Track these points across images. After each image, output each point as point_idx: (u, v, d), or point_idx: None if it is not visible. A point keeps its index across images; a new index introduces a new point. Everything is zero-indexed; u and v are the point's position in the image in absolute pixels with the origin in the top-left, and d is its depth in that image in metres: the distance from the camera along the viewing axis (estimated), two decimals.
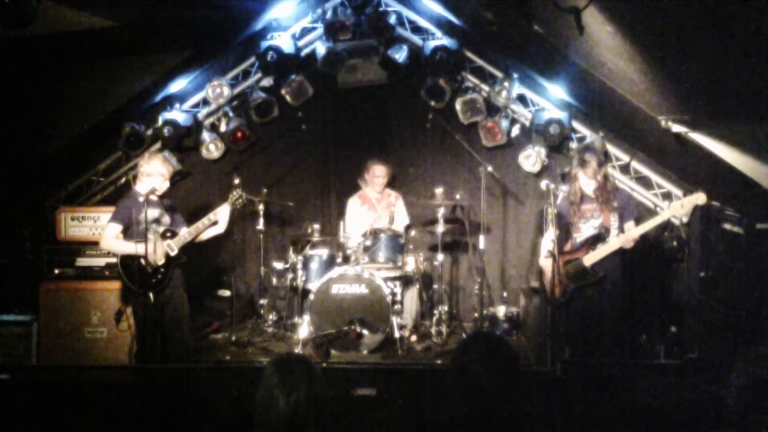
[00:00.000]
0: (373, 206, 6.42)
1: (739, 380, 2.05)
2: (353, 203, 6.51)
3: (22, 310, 5.61)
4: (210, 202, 6.83)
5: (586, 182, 4.78)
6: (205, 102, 6.74)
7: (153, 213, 4.82)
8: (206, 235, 5.05)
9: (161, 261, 4.79)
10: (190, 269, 5.14)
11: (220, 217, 4.99)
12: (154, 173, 4.84)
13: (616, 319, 4.86)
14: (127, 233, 4.80)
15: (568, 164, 6.10)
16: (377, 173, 6.33)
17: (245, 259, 7.02)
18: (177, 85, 6.62)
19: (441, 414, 3.37)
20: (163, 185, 4.89)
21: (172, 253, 4.83)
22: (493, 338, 2.44)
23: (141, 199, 4.72)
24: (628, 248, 4.72)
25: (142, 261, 4.72)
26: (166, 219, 4.95)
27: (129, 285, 4.73)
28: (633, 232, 4.71)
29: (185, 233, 4.89)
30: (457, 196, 6.20)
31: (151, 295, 4.71)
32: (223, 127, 6.78)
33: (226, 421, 3.37)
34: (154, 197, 4.84)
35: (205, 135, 6.77)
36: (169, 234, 4.87)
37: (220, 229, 5.06)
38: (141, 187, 4.88)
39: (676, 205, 4.77)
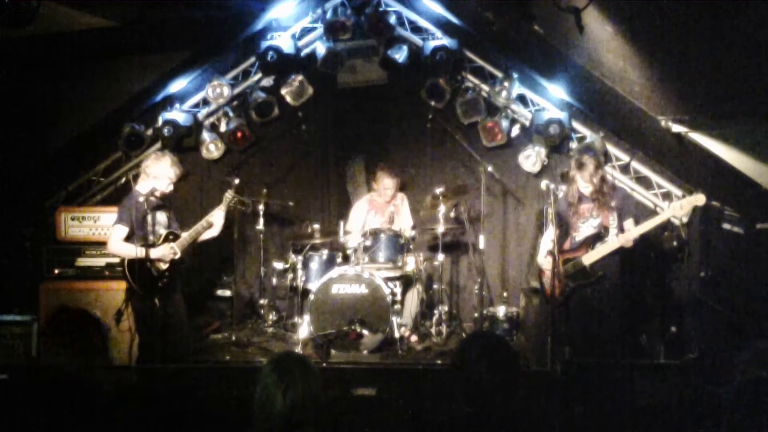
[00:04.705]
0: (381, 210, 6.37)
1: (739, 380, 2.04)
2: (360, 207, 6.44)
3: (22, 310, 5.60)
4: (210, 202, 6.81)
5: (584, 185, 4.79)
6: (205, 102, 6.73)
7: (156, 215, 4.78)
8: (202, 238, 5.01)
9: (167, 265, 4.75)
10: (190, 270, 5.13)
11: (215, 220, 4.96)
12: (161, 175, 4.76)
13: (615, 319, 4.85)
14: (130, 235, 4.75)
15: (568, 164, 6.10)
16: (386, 185, 6.24)
17: (245, 259, 7.02)
18: (177, 85, 6.61)
19: (441, 414, 3.37)
20: (168, 188, 4.83)
21: (176, 257, 4.77)
22: (493, 338, 2.45)
23: (141, 199, 4.64)
24: (628, 247, 4.72)
25: (148, 264, 4.66)
26: (166, 221, 4.90)
27: (136, 289, 4.65)
28: (632, 232, 4.71)
29: (185, 236, 4.84)
30: (457, 196, 6.19)
31: (156, 300, 4.64)
32: (223, 127, 6.78)
33: (226, 421, 3.37)
34: (154, 199, 4.75)
35: (205, 135, 6.77)
36: (171, 237, 4.81)
37: (214, 231, 5.02)
38: (142, 187, 4.78)
39: (676, 206, 4.77)
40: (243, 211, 6.02)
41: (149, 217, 4.67)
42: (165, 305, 4.74)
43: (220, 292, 6.81)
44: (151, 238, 4.72)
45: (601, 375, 3.69)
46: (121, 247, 4.68)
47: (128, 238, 4.71)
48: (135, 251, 4.57)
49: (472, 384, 2.24)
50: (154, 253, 4.66)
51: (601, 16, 3.91)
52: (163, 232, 4.80)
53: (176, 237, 4.83)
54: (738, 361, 2.10)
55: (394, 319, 5.53)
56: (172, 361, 4.73)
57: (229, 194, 5.08)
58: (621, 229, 4.77)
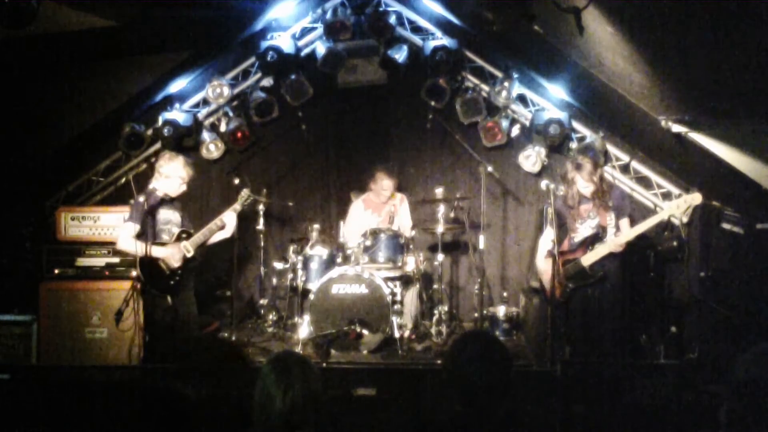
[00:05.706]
0: (378, 210, 6.38)
1: (739, 380, 2.04)
2: (357, 207, 6.44)
3: (22, 310, 5.60)
4: (209, 202, 6.85)
5: (584, 185, 4.79)
6: (205, 102, 6.74)
7: (167, 214, 4.81)
8: (214, 239, 5.03)
9: (179, 263, 4.76)
10: (198, 270, 5.14)
11: (228, 220, 4.97)
12: (172, 175, 4.80)
13: (615, 319, 4.86)
14: (141, 234, 4.79)
15: (565, 167, 6.10)
16: (384, 186, 6.21)
17: (245, 259, 7.02)
18: (177, 85, 6.62)
19: (440, 414, 3.38)
20: (180, 188, 4.86)
21: (189, 255, 4.79)
22: (485, 337, 2.43)
23: (141, 198, 4.67)
24: (618, 252, 4.73)
25: (161, 262, 4.70)
26: (179, 220, 4.93)
27: (148, 286, 4.67)
28: (622, 236, 4.71)
29: (199, 234, 4.86)
30: (457, 196, 6.19)
31: (168, 297, 4.67)
32: (223, 127, 6.78)
33: (226, 421, 3.37)
34: (162, 195, 4.80)
35: (205, 135, 6.77)
36: (185, 235, 4.84)
37: (227, 233, 5.03)
38: (155, 186, 4.84)
39: (672, 206, 4.79)
40: (249, 210, 6.00)
41: (152, 217, 4.69)
42: (176, 303, 4.77)
43: (220, 292, 6.81)
44: (164, 237, 4.77)
45: (601, 375, 3.69)
46: (128, 245, 4.71)
47: (140, 236, 4.74)
48: (142, 249, 4.60)
49: (465, 383, 2.23)
50: (159, 252, 4.68)
51: (601, 16, 3.91)
52: (176, 230, 4.84)
53: (189, 235, 4.86)
54: (738, 361, 2.10)
55: (394, 319, 5.53)
56: (178, 360, 4.75)
57: (244, 193, 5.11)
58: (618, 229, 4.77)
